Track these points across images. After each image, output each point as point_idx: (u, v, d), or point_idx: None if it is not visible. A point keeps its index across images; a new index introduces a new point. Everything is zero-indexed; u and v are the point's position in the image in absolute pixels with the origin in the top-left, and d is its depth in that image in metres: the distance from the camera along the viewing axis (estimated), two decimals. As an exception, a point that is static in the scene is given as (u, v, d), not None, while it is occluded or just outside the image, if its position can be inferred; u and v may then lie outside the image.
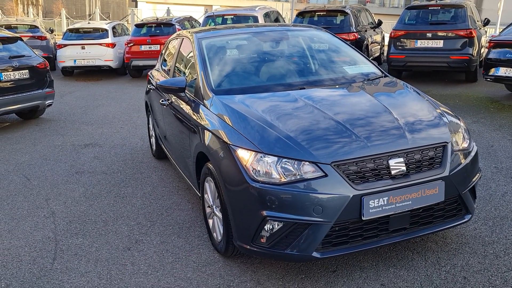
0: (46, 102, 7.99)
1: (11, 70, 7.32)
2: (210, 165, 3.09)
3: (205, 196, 3.36)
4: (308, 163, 2.62)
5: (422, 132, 2.90)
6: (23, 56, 7.73)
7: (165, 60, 5.23)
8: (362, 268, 2.98)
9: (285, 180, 2.61)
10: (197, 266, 3.12)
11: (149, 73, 5.77)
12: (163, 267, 3.13)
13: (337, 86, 3.52)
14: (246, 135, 2.82)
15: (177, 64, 4.44)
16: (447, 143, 2.86)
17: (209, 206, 3.32)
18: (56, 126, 7.66)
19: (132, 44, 12.54)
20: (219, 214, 3.07)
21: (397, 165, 2.68)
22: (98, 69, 13.44)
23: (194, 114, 3.45)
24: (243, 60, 3.79)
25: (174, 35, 5.19)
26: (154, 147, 5.59)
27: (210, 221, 3.33)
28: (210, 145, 3.08)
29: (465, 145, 3.00)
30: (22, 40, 8.13)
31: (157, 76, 5.18)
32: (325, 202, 2.55)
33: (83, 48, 12.79)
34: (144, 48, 12.46)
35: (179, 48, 4.49)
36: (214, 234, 3.25)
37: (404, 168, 2.69)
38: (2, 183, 4.99)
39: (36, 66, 7.78)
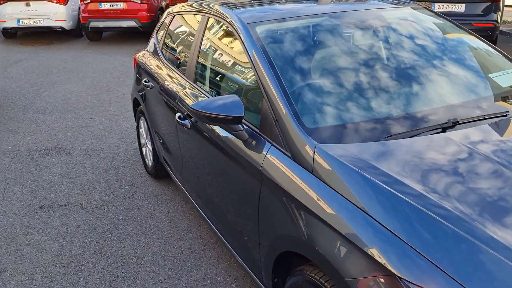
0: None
1: None
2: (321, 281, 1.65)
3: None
4: None
5: None
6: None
7: (168, 46, 3.57)
8: None
9: None
10: None
11: (138, 58, 4.09)
12: None
13: (504, 117, 2.07)
14: (433, 258, 1.37)
15: (202, 61, 2.82)
16: None
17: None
18: (3, 116, 5.82)
19: (89, 0, 10.41)
20: None
21: None
22: (48, 31, 11.24)
23: (269, 170, 1.95)
24: (334, 65, 2.25)
25: (183, 7, 3.52)
26: (150, 163, 4.01)
27: None
28: (331, 251, 1.60)
29: None
30: None
31: (154, 66, 3.54)
32: None
33: (28, 5, 10.53)
34: (104, 5, 10.39)
35: (203, 32, 2.86)
36: None
37: None
38: None
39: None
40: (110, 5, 10.34)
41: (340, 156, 1.74)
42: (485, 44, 2.63)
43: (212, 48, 2.75)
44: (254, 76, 2.23)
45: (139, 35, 11.76)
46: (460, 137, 1.89)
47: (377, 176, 1.64)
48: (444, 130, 1.95)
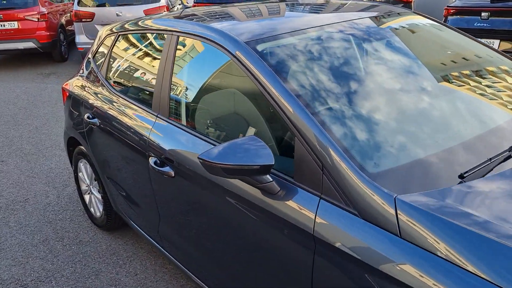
0: None
1: None
2: None
3: None
4: None
5: None
6: None
7: (117, 73, 2.92)
8: None
9: None
10: None
11: (70, 88, 3.36)
12: None
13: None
14: None
15: (180, 92, 2.25)
16: None
17: None
18: None
19: (-26, 21, 9.05)
20: None
21: None
22: None
23: (327, 235, 1.48)
24: (370, 86, 1.83)
25: (128, 24, 2.91)
26: (99, 213, 3.31)
27: None
28: None
29: None
30: None
31: (98, 98, 2.88)
32: None
33: None
34: (-6, 26, 9.09)
35: (174, 57, 2.30)
36: None
37: None
38: None
39: None
40: (1, 25, 9.08)
41: (432, 209, 1.34)
42: (492, 50, 2.41)
43: (194, 75, 2.20)
44: (267, 109, 1.76)
45: (38, 56, 10.54)
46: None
47: (498, 235, 1.25)
48: (510, 156, 1.64)
